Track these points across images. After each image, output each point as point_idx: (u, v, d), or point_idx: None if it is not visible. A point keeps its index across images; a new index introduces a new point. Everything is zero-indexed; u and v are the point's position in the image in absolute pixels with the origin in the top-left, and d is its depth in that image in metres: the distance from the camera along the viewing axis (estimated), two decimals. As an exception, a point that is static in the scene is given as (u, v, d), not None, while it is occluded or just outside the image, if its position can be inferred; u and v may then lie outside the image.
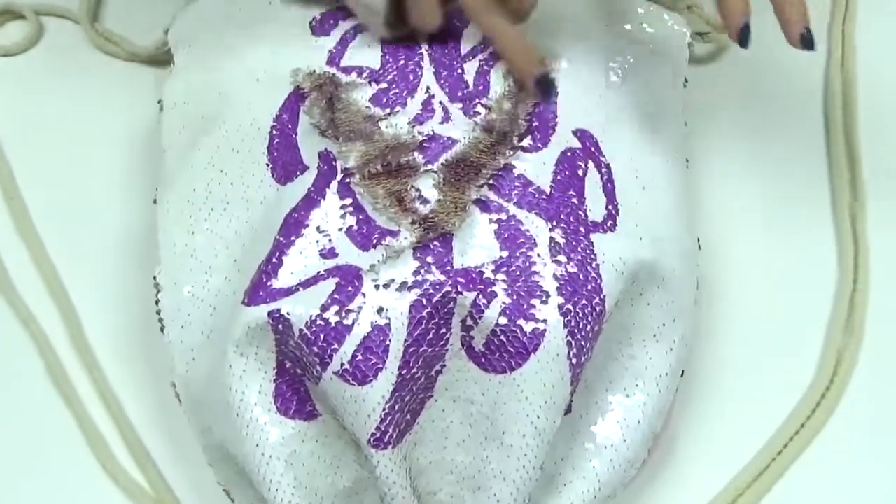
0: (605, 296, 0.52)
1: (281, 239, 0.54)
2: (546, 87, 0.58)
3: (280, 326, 0.51)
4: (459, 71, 0.59)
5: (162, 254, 0.58)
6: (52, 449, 0.59)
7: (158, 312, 0.57)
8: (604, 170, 0.56)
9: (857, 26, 0.71)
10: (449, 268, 0.51)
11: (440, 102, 0.58)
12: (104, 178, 0.67)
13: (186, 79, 0.63)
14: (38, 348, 0.62)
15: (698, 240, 0.59)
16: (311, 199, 0.55)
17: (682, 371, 0.56)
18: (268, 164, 0.58)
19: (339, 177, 0.55)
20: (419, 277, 0.51)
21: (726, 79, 0.69)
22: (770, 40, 0.68)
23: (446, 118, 0.57)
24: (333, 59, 0.60)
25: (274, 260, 0.53)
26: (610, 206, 0.55)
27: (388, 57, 0.60)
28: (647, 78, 0.62)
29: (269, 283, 0.52)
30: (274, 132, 0.58)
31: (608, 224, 0.54)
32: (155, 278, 0.57)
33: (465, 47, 0.61)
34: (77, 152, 0.68)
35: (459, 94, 0.58)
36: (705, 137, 0.67)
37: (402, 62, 0.60)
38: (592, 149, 0.57)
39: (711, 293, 0.61)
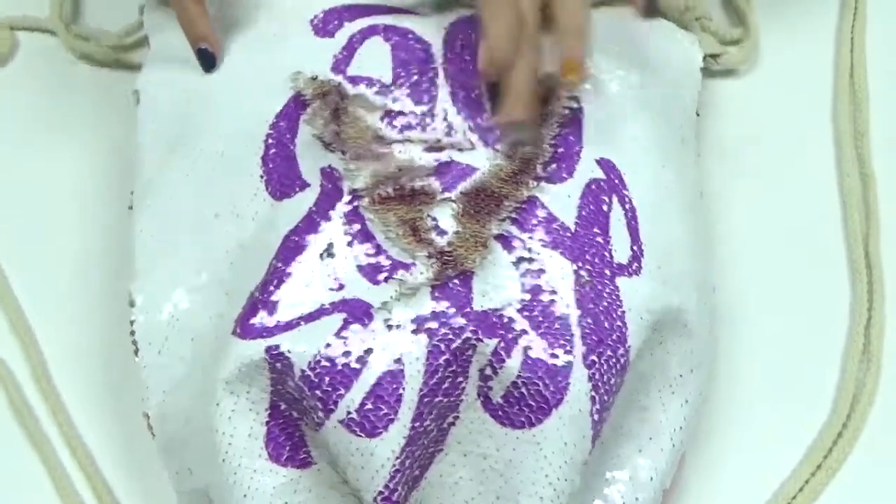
0: (629, 346, 0.48)
1: (279, 264, 0.49)
2: (206, 59, 0.57)
3: (279, 365, 0.46)
4: (477, 91, 0.55)
5: (138, 269, 0.52)
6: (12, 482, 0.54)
7: (132, 333, 0.51)
8: (627, 205, 0.53)
9: (868, 36, 0.67)
10: (468, 310, 0.47)
11: (461, 132, 0.54)
12: (77, 198, 0.62)
13: (165, 67, 0.58)
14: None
15: (713, 285, 0.56)
16: (313, 222, 0.50)
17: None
18: (262, 176, 0.53)
19: (347, 199, 0.50)
20: (438, 320, 0.46)
21: (733, 95, 0.66)
22: (778, 59, 0.66)
23: (465, 147, 0.53)
24: (339, 66, 0.55)
25: (271, 288, 0.48)
26: (635, 247, 0.51)
27: (399, 70, 0.55)
28: (661, 104, 0.59)
29: (265, 314, 0.47)
30: (270, 141, 0.53)
31: (634, 266, 0.50)
32: (130, 294, 0.52)
33: None
34: (48, 167, 0.64)
35: (478, 119, 0.54)
36: (712, 158, 0.63)
37: (416, 78, 0.55)
38: (616, 181, 0.53)
39: (721, 324, 0.58)
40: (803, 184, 0.63)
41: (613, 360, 0.47)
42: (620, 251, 0.51)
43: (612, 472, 0.50)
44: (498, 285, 0.48)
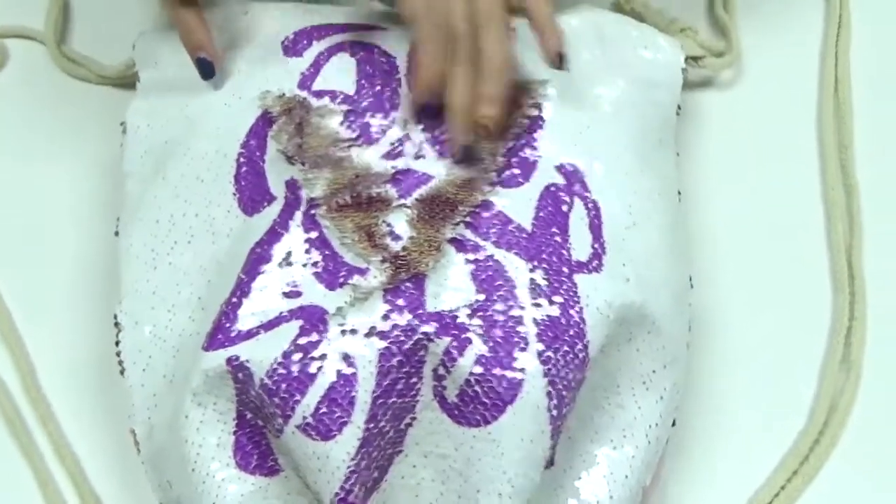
0: (588, 341, 0.48)
1: (243, 276, 0.50)
2: (205, 68, 0.58)
3: (240, 374, 0.47)
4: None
5: (123, 290, 0.54)
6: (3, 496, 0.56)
7: (118, 354, 0.53)
8: (590, 205, 0.53)
9: (852, 48, 0.67)
10: (421, 311, 0.47)
11: (418, 142, 0.55)
12: (66, 210, 0.63)
13: (151, 99, 0.60)
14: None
15: (690, 278, 0.56)
16: (276, 233, 0.51)
17: (674, 420, 0.52)
18: (234, 194, 0.54)
19: (304, 207, 0.51)
20: (389, 322, 0.47)
21: (718, 107, 0.66)
22: (763, 70, 0.66)
23: (422, 156, 0.54)
24: (305, 82, 0.57)
25: (234, 299, 0.50)
26: (596, 245, 0.51)
27: (363, 82, 0.56)
28: (639, 106, 0.59)
29: (228, 326, 0.49)
30: (241, 160, 0.55)
31: (594, 264, 0.51)
32: (116, 317, 0.54)
33: None
34: (37, 182, 0.65)
35: (437, 132, 0.55)
36: (697, 167, 0.63)
37: (379, 88, 0.56)
38: (578, 185, 0.53)
39: (702, 331, 0.58)
40: (788, 194, 0.63)
41: (571, 355, 0.48)
42: (580, 249, 0.51)
43: (587, 469, 0.50)
44: (451, 287, 0.48)
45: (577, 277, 0.50)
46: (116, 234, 0.57)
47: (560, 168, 0.53)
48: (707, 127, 0.65)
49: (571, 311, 0.48)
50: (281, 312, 0.49)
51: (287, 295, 0.49)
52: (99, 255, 0.61)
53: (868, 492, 0.55)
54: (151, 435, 0.51)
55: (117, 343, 0.53)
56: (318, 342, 0.47)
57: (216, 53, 0.58)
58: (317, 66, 0.57)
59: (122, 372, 0.53)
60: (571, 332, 0.48)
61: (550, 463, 0.48)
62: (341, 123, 0.55)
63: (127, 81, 0.66)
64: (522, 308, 0.48)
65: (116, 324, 0.54)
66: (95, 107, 0.66)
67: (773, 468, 0.56)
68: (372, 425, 0.46)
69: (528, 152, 0.54)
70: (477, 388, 0.46)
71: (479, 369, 0.46)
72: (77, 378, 0.58)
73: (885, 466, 0.56)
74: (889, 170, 0.64)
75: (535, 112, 0.55)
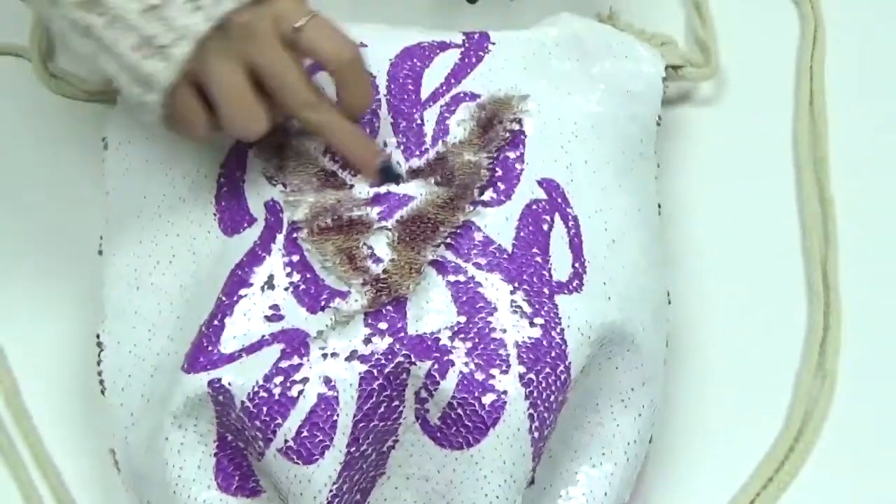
0: (570, 363, 0.49)
1: (224, 299, 0.50)
2: (388, 174, 0.54)
3: (221, 397, 0.47)
4: (419, 121, 0.56)
5: (106, 310, 0.54)
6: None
7: (100, 373, 0.53)
8: (570, 223, 0.53)
9: (827, 65, 0.68)
10: (402, 334, 0.48)
11: (396, 162, 0.55)
12: (50, 227, 0.63)
13: (131, 115, 0.60)
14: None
15: (668, 293, 0.56)
16: (256, 255, 0.51)
17: (651, 437, 0.53)
18: (215, 215, 0.54)
19: (286, 231, 0.51)
20: (370, 346, 0.47)
21: (697, 122, 0.67)
22: (740, 86, 0.67)
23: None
24: None
25: (216, 322, 0.50)
26: (577, 264, 0.52)
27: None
28: (620, 119, 0.59)
29: (210, 349, 0.49)
30: (221, 180, 0.55)
31: (574, 284, 0.51)
32: (98, 336, 0.54)
33: (425, 91, 0.57)
34: (21, 199, 0.65)
35: (418, 152, 0.55)
36: (674, 181, 0.64)
37: None
38: (559, 200, 0.53)
39: (680, 339, 0.58)
40: (765, 206, 0.64)
41: (553, 377, 0.48)
42: (560, 269, 0.51)
43: (567, 487, 0.51)
44: (432, 309, 0.48)
45: (559, 298, 0.50)
46: (100, 252, 0.57)
47: (541, 183, 0.54)
48: (685, 142, 0.65)
49: (553, 333, 0.49)
50: (263, 336, 0.49)
51: (269, 318, 0.49)
52: (83, 274, 0.60)
53: (843, 498, 0.56)
54: (131, 455, 0.51)
55: (99, 362, 0.53)
56: (299, 365, 0.47)
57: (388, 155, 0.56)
58: None
59: (103, 391, 0.53)
60: (553, 354, 0.48)
61: (532, 481, 0.49)
62: (325, 154, 0.55)
63: (111, 98, 0.65)
64: (504, 330, 0.48)
65: (99, 343, 0.54)
66: (80, 123, 0.66)
67: (748, 475, 0.56)
68: (354, 448, 0.46)
69: (509, 167, 0.54)
70: (459, 410, 0.47)
71: (461, 392, 0.47)
72: (60, 396, 0.58)
73: (859, 473, 0.56)
74: (863, 182, 0.65)
75: (516, 126, 0.55)
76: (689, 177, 0.64)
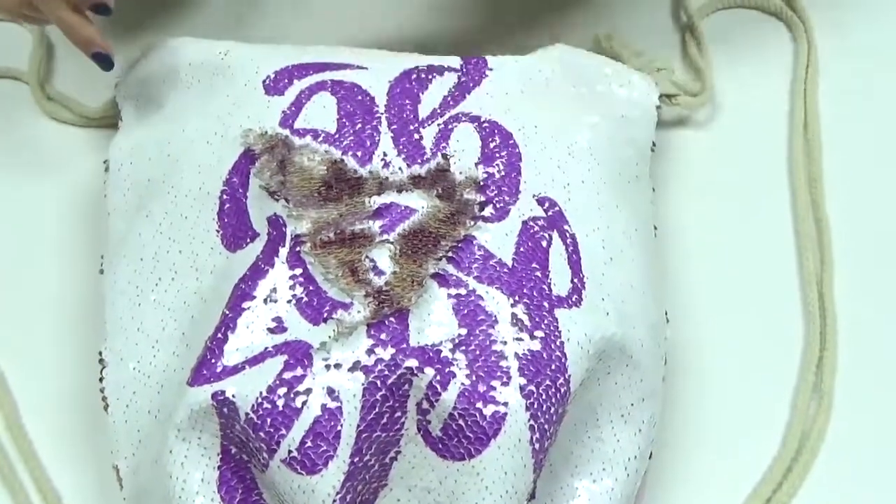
0: (569, 375, 0.49)
1: (228, 312, 0.51)
2: (103, 60, 0.60)
3: (225, 409, 0.48)
4: (417, 136, 0.57)
5: (108, 327, 0.55)
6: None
7: (102, 390, 0.53)
8: (569, 240, 0.54)
9: (821, 88, 0.69)
10: (404, 346, 0.48)
11: (400, 176, 0.55)
12: (49, 248, 0.64)
13: (133, 137, 0.60)
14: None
15: (665, 312, 0.57)
16: (260, 269, 0.52)
17: (651, 453, 0.53)
18: (218, 231, 0.55)
19: (290, 244, 0.52)
20: (373, 357, 0.48)
21: (693, 145, 0.67)
22: (735, 110, 0.68)
23: (404, 189, 0.55)
24: (287, 121, 0.57)
25: (220, 335, 0.50)
26: (575, 280, 0.52)
27: (344, 120, 0.57)
28: (615, 142, 0.60)
29: (214, 361, 0.49)
30: (224, 196, 0.56)
31: (573, 299, 0.51)
32: (100, 353, 0.54)
33: (423, 111, 0.58)
34: (20, 221, 0.65)
35: (420, 160, 0.56)
36: (671, 203, 0.64)
37: (360, 126, 0.57)
38: (557, 218, 0.54)
39: (677, 360, 0.59)
40: (761, 227, 0.65)
41: (553, 389, 0.48)
42: (560, 284, 0.52)
43: (568, 502, 0.51)
44: (434, 321, 0.49)
45: (558, 312, 0.50)
46: (101, 271, 0.57)
47: (540, 201, 0.54)
48: (681, 164, 0.66)
49: (553, 346, 0.49)
50: (266, 348, 0.49)
51: (272, 330, 0.50)
52: (83, 293, 0.61)
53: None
54: (136, 471, 0.51)
55: (101, 379, 0.54)
56: (302, 377, 0.48)
57: (108, 45, 0.60)
58: (298, 105, 0.58)
59: (105, 408, 0.53)
60: (553, 367, 0.49)
61: (532, 496, 0.49)
62: (328, 171, 0.55)
63: (109, 122, 0.66)
64: (505, 343, 0.49)
65: (101, 360, 0.54)
66: (79, 146, 0.67)
67: (746, 496, 0.56)
68: (357, 459, 0.46)
69: (509, 185, 0.55)
70: (461, 422, 0.47)
71: (462, 403, 0.47)
72: (60, 415, 0.58)
73: (856, 493, 0.56)
74: (857, 203, 0.65)
75: (514, 148, 0.56)
76: (686, 199, 0.65)
